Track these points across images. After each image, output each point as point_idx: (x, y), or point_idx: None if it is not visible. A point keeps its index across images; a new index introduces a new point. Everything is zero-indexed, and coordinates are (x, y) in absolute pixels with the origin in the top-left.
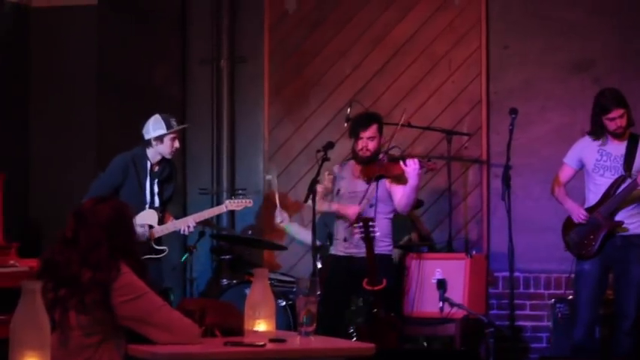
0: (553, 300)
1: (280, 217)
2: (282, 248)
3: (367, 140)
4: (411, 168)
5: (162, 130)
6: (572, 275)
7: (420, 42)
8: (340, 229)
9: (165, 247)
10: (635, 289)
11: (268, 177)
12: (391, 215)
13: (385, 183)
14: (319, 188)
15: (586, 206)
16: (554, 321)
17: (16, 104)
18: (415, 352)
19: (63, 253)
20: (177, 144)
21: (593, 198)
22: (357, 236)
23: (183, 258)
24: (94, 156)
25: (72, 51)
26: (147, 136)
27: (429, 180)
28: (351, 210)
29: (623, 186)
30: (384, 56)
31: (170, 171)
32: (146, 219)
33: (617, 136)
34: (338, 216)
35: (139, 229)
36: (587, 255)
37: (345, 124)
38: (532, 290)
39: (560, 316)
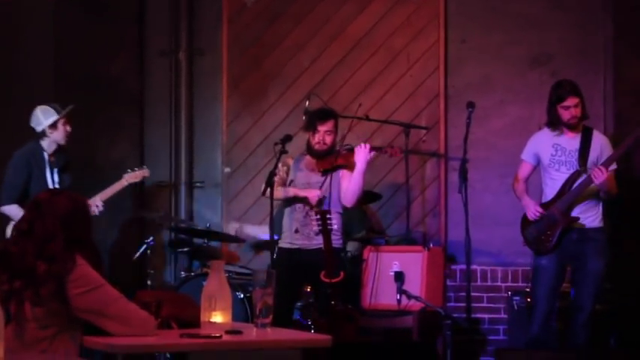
0: (510, 292)
1: (233, 229)
2: (240, 241)
3: (324, 134)
4: (361, 153)
5: (54, 116)
6: (529, 268)
7: (379, 36)
8: (291, 220)
9: None
10: (591, 282)
11: (227, 170)
12: (341, 210)
13: (338, 178)
14: (275, 178)
15: (543, 201)
16: (510, 313)
17: None
18: (372, 344)
19: (18, 244)
20: (69, 128)
21: (550, 192)
22: (315, 229)
23: (140, 251)
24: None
25: (29, 43)
26: (40, 128)
27: (386, 173)
28: (312, 193)
29: (578, 181)
30: (343, 50)
31: (66, 160)
32: None
33: (570, 127)
34: (289, 205)
35: None
36: (544, 250)
37: (304, 117)
38: (489, 283)
39: (517, 308)
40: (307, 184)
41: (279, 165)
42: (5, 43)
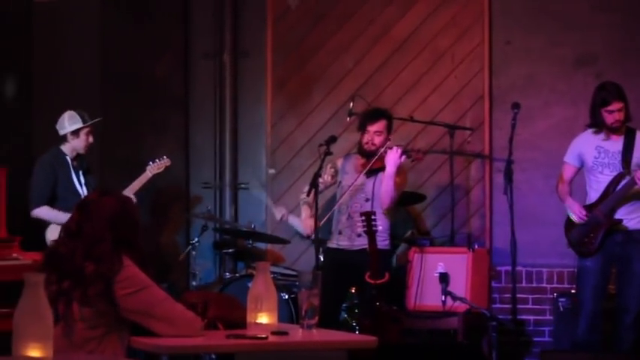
0: (555, 294)
1: (279, 214)
2: (285, 242)
3: (373, 134)
4: (391, 156)
5: (79, 124)
6: (575, 270)
7: (423, 37)
8: (336, 222)
9: None
10: (636, 284)
11: (271, 171)
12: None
13: (382, 178)
14: (320, 180)
15: (587, 203)
16: (556, 315)
17: (19, 98)
18: (417, 345)
19: (67, 245)
20: (91, 139)
21: (593, 195)
22: (360, 230)
23: (186, 252)
24: (97, 150)
25: (74, 45)
26: (62, 132)
27: (431, 174)
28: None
29: (622, 183)
30: (387, 51)
31: (87, 163)
32: None
33: (613, 130)
34: (336, 206)
35: None
36: (587, 253)
37: (348, 119)
38: (534, 284)
39: (563, 310)
40: (354, 185)
41: (328, 167)
42: (52, 44)
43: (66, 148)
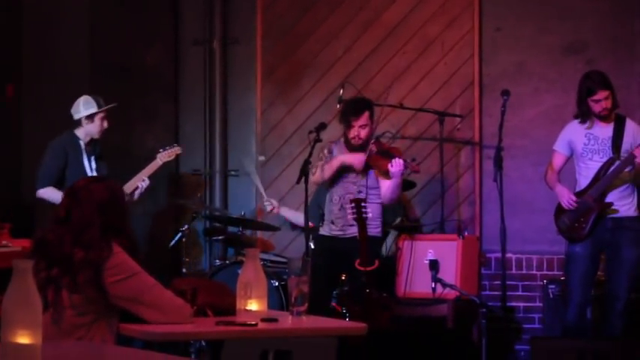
0: (545, 281)
1: (270, 205)
2: (275, 229)
3: (359, 129)
4: (396, 169)
5: (94, 109)
6: (565, 256)
7: (413, 23)
8: (329, 212)
9: None
10: (626, 271)
11: (261, 158)
12: (380, 200)
13: (374, 172)
14: (320, 163)
15: (577, 190)
16: (546, 302)
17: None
18: (407, 332)
19: (55, 231)
20: (105, 124)
21: (583, 182)
22: (350, 217)
23: (176, 239)
24: None
25: (64, 33)
26: (77, 116)
27: (421, 161)
28: (357, 159)
29: (612, 167)
30: (377, 38)
31: (100, 149)
32: None
33: (602, 118)
34: (327, 196)
35: None
36: (578, 238)
37: (338, 106)
38: (524, 271)
39: (552, 296)
40: (345, 176)
41: (325, 151)
42: (41, 32)
43: (80, 132)
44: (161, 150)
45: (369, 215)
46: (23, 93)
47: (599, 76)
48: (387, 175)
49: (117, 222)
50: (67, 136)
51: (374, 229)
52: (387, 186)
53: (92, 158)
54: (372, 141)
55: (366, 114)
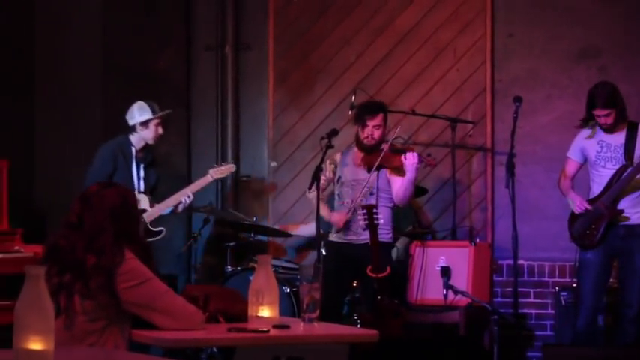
0: (557, 288)
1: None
2: (287, 235)
3: (373, 129)
4: (410, 162)
5: (148, 115)
6: (576, 264)
7: (425, 30)
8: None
9: (162, 228)
10: (638, 278)
11: (273, 164)
12: (392, 204)
13: (386, 173)
14: (321, 180)
15: (590, 197)
16: (558, 309)
17: (21, 91)
18: (418, 339)
19: (68, 237)
20: (160, 130)
21: (596, 189)
22: (362, 223)
23: (187, 245)
24: (99, 142)
25: (77, 38)
26: (132, 122)
27: (433, 168)
28: (336, 218)
29: (624, 175)
30: (389, 44)
31: (152, 157)
32: (140, 204)
33: (605, 131)
34: (338, 201)
35: None
36: (589, 245)
37: (350, 112)
38: (536, 278)
39: (564, 303)
40: (354, 180)
41: (327, 163)
42: (54, 36)
43: (134, 138)
44: (215, 165)
45: (381, 222)
46: (36, 97)
47: (604, 93)
48: (400, 171)
49: (129, 228)
50: (119, 140)
51: (385, 234)
52: (399, 184)
53: (142, 166)
54: (385, 143)
55: (381, 115)
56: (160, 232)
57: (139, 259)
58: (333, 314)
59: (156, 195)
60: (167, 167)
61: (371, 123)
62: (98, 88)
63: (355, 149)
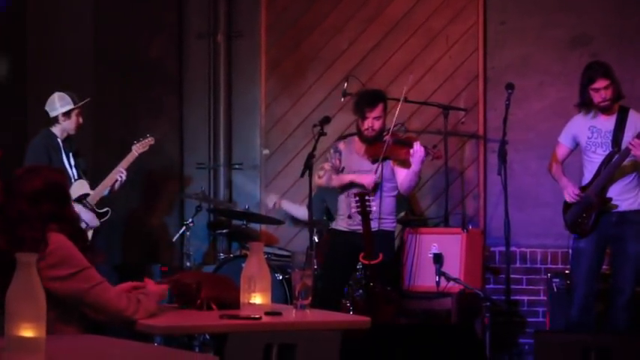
0: (549, 274)
1: (271, 202)
2: (280, 223)
3: (373, 120)
4: (417, 155)
5: (70, 105)
6: (569, 250)
7: (417, 17)
8: (343, 206)
9: (107, 209)
10: (631, 265)
11: (265, 151)
12: (395, 193)
13: (390, 163)
14: (327, 166)
15: (583, 184)
16: (550, 295)
17: (12, 81)
18: (411, 326)
19: None
20: (81, 120)
21: (588, 175)
22: (354, 211)
23: (179, 232)
24: (90, 131)
25: (69, 26)
26: (53, 113)
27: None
28: (367, 179)
29: (612, 161)
30: (381, 31)
31: (76, 145)
32: (80, 190)
33: (603, 110)
34: (342, 191)
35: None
36: (582, 232)
37: (342, 99)
38: (528, 265)
39: (557, 290)
40: (359, 171)
41: (331, 152)
42: (45, 24)
43: (57, 129)
44: (135, 142)
45: (374, 209)
46: (28, 86)
47: (600, 66)
48: (406, 164)
49: (54, 209)
50: (44, 134)
51: (389, 223)
52: (404, 175)
53: (70, 155)
54: (386, 133)
55: (381, 106)
56: (107, 212)
57: (70, 239)
58: (335, 303)
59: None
60: (159, 155)
61: (371, 115)
62: (90, 77)
63: (356, 139)
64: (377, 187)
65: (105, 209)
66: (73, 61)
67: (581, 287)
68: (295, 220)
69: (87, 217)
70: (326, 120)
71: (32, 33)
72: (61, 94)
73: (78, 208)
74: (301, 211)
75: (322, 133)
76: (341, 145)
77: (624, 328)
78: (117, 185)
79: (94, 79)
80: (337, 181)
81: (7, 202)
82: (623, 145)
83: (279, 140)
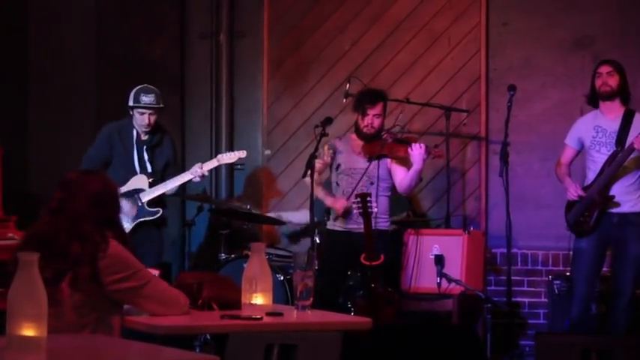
0: (550, 276)
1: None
2: (281, 223)
3: (373, 117)
4: (417, 152)
5: (130, 102)
6: (570, 252)
7: (420, 18)
8: None
9: (159, 209)
10: (632, 267)
11: (267, 152)
12: (390, 193)
13: (386, 162)
14: (317, 163)
15: (586, 184)
16: (551, 297)
17: (15, 78)
18: (412, 327)
19: (49, 223)
20: (146, 119)
21: (591, 175)
22: (356, 212)
23: (181, 232)
24: (93, 129)
25: (71, 26)
26: (129, 103)
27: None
28: (338, 204)
29: (615, 159)
30: (384, 32)
31: (161, 138)
32: (135, 184)
33: (603, 97)
34: (338, 190)
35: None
36: (584, 232)
37: (344, 100)
38: (529, 266)
39: (558, 292)
40: (352, 169)
41: (325, 148)
42: (48, 24)
43: (135, 121)
44: (225, 152)
45: (375, 210)
46: (30, 84)
47: (609, 59)
48: (404, 162)
49: (109, 214)
50: (122, 122)
51: (383, 222)
52: (404, 174)
53: (144, 148)
54: (384, 132)
55: (381, 104)
56: (157, 212)
57: (120, 244)
58: (331, 303)
59: (165, 177)
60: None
61: (371, 112)
62: (92, 76)
63: (353, 136)
64: (348, 212)
65: (156, 209)
66: (76, 61)
67: (581, 288)
68: (301, 227)
69: (126, 208)
70: (328, 121)
71: (35, 32)
72: (138, 88)
73: (124, 200)
74: (297, 216)
75: (324, 134)
76: (337, 142)
77: (625, 330)
78: (197, 178)
79: (97, 78)
80: (315, 191)
81: (67, 201)
82: (627, 146)
83: (281, 141)
